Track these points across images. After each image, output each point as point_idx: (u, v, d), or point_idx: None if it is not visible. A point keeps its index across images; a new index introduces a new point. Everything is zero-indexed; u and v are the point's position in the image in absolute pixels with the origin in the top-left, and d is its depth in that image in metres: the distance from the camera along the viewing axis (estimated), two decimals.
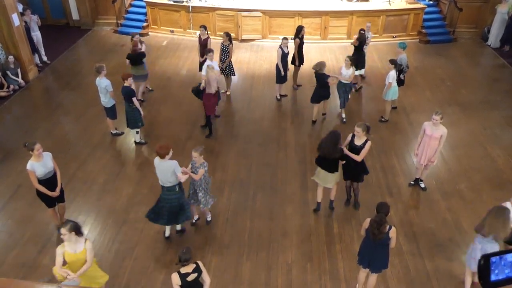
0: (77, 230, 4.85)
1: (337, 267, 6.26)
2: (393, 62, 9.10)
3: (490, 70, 12.67)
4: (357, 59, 10.06)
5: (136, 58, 9.72)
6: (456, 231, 6.87)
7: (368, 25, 11.25)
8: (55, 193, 6.33)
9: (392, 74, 9.04)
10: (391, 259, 6.17)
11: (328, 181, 6.89)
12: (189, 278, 4.66)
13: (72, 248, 4.86)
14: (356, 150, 6.65)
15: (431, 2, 15.04)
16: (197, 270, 4.74)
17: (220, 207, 7.33)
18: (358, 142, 6.67)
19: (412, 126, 9.64)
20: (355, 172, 6.96)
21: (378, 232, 5.01)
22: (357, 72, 10.28)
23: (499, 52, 13.54)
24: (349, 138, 6.78)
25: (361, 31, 10.59)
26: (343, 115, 9.79)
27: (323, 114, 9.92)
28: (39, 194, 6.29)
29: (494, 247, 5.19)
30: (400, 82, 9.72)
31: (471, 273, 5.70)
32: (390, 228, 5.10)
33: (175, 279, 4.63)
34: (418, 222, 7.07)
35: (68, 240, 4.80)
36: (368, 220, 5.19)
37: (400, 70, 9.58)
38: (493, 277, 2.21)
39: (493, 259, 2.21)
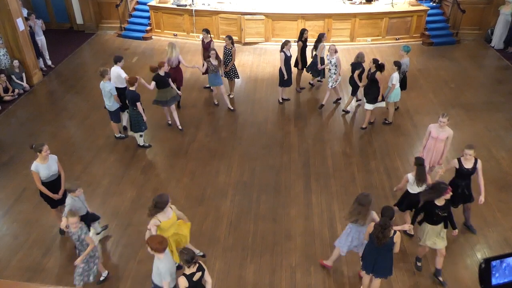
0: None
1: (341, 270, 6.25)
2: (397, 64, 9.07)
3: (494, 72, 12.63)
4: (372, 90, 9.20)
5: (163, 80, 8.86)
6: (460, 233, 6.83)
7: (332, 47, 9.84)
8: (58, 196, 6.37)
9: (396, 76, 9.01)
10: (395, 262, 6.15)
11: (442, 238, 5.88)
12: (195, 278, 4.68)
13: (165, 217, 5.43)
14: (467, 174, 6.31)
15: (434, 4, 15.04)
16: (201, 268, 4.76)
17: (224, 210, 7.34)
18: (468, 165, 6.30)
19: (416, 128, 9.62)
20: (467, 193, 6.51)
21: (382, 236, 4.99)
22: (377, 105, 9.33)
23: (503, 53, 13.50)
24: (455, 163, 6.40)
25: (375, 60, 9.21)
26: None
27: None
28: (42, 195, 6.35)
29: (362, 230, 5.56)
30: (402, 86, 9.69)
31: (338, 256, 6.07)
32: (394, 232, 5.08)
33: (183, 282, 4.61)
34: None
35: (163, 212, 5.40)
36: (373, 224, 5.17)
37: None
38: (494, 281, 2.20)
39: (494, 263, 2.21)
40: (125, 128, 9.44)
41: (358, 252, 5.79)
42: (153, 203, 5.34)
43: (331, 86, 10.04)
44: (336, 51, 9.76)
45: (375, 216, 5.50)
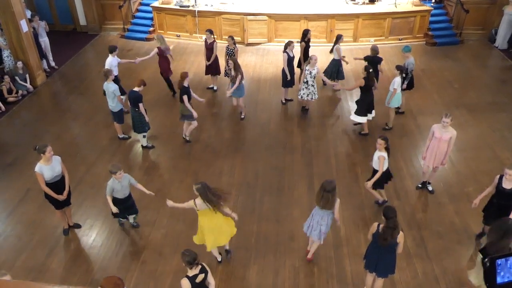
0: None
1: (344, 271, 6.24)
2: (399, 68, 8.93)
3: (497, 72, 12.58)
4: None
5: (180, 93, 8.57)
6: (464, 234, 6.82)
7: (314, 57, 9.35)
8: (62, 197, 6.39)
9: (398, 80, 8.87)
10: (399, 262, 6.13)
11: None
12: (198, 280, 4.65)
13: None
14: (507, 195, 5.92)
15: (437, 4, 15.00)
16: (204, 270, 4.73)
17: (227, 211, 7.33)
18: (508, 185, 5.91)
19: (419, 129, 9.59)
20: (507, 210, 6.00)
21: (391, 238, 4.97)
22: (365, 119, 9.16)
23: (507, 53, 13.46)
24: (495, 180, 6.08)
25: (367, 68, 8.82)
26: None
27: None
28: (47, 196, 6.37)
29: (326, 214, 5.78)
30: (409, 86, 9.65)
31: (311, 241, 6.26)
32: (398, 232, 5.07)
33: (186, 284, 4.59)
34: (426, 225, 7.02)
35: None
36: (376, 224, 5.15)
37: (405, 74, 9.49)
38: (499, 279, 2.19)
39: (499, 261, 2.19)
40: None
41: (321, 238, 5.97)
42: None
43: (306, 98, 9.60)
44: (316, 61, 9.27)
45: (338, 204, 5.72)
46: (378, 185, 7.00)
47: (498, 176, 6.06)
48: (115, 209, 6.28)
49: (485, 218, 6.40)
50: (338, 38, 10.62)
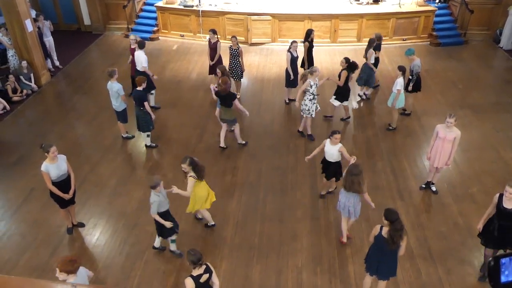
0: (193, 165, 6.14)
1: (347, 271, 6.23)
2: (401, 69, 8.89)
3: (502, 72, 12.53)
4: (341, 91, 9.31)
5: (227, 98, 8.32)
6: (468, 235, 6.80)
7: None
8: (68, 196, 6.41)
9: (400, 81, 8.83)
10: (402, 263, 6.14)
11: None
12: (202, 279, 4.65)
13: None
14: (508, 215, 5.46)
15: (441, 4, 14.95)
16: (208, 270, 4.73)
17: (230, 210, 7.35)
18: (509, 204, 5.47)
19: (423, 129, 9.57)
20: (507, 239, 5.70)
21: (400, 239, 4.93)
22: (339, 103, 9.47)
23: None
24: (495, 199, 5.65)
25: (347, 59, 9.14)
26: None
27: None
28: (53, 195, 6.38)
29: (352, 196, 6.12)
30: (416, 88, 9.60)
31: (345, 220, 6.56)
32: (405, 233, 5.05)
33: (190, 283, 4.59)
34: (430, 226, 7.01)
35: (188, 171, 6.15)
36: (378, 227, 5.12)
37: (410, 76, 9.46)
38: (503, 279, 2.19)
39: (503, 260, 2.19)
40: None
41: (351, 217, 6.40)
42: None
43: (311, 115, 8.93)
44: (318, 74, 8.75)
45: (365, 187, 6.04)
46: (339, 175, 7.14)
47: (497, 195, 5.60)
48: (169, 224, 5.96)
49: (485, 240, 5.86)
50: (372, 42, 10.20)
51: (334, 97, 9.50)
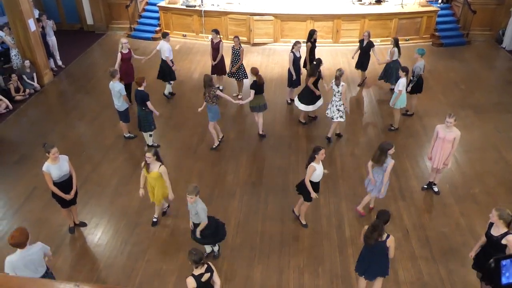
0: (157, 155, 6.40)
1: (349, 271, 6.22)
2: (404, 69, 8.88)
3: (504, 73, 12.51)
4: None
5: (262, 87, 8.87)
6: (469, 235, 6.78)
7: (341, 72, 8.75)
8: (69, 196, 6.43)
9: (403, 81, 8.83)
10: (404, 263, 6.14)
11: None
12: (203, 279, 4.67)
13: (149, 169, 6.41)
14: (495, 242, 5.10)
15: (444, 4, 14.93)
16: (209, 269, 4.75)
17: (232, 210, 7.35)
18: (496, 232, 5.12)
19: (425, 129, 9.56)
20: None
21: (369, 236, 5.02)
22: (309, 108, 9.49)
23: None
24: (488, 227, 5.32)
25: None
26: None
27: None
28: (54, 195, 6.40)
29: (380, 172, 6.58)
30: (415, 89, 9.59)
31: (369, 196, 7.06)
32: (388, 237, 5.07)
33: (191, 282, 4.60)
34: (431, 226, 7.00)
35: (151, 162, 6.34)
36: (366, 227, 5.20)
37: (411, 77, 9.44)
38: (504, 280, 2.18)
39: (504, 262, 2.19)
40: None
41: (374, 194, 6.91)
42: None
43: (337, 119, 8.82)
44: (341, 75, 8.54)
45: (391, 166, 6.45)
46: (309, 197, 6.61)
47: (489, 222, 5.30)
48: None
49: (474, 262, 5.64)
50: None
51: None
